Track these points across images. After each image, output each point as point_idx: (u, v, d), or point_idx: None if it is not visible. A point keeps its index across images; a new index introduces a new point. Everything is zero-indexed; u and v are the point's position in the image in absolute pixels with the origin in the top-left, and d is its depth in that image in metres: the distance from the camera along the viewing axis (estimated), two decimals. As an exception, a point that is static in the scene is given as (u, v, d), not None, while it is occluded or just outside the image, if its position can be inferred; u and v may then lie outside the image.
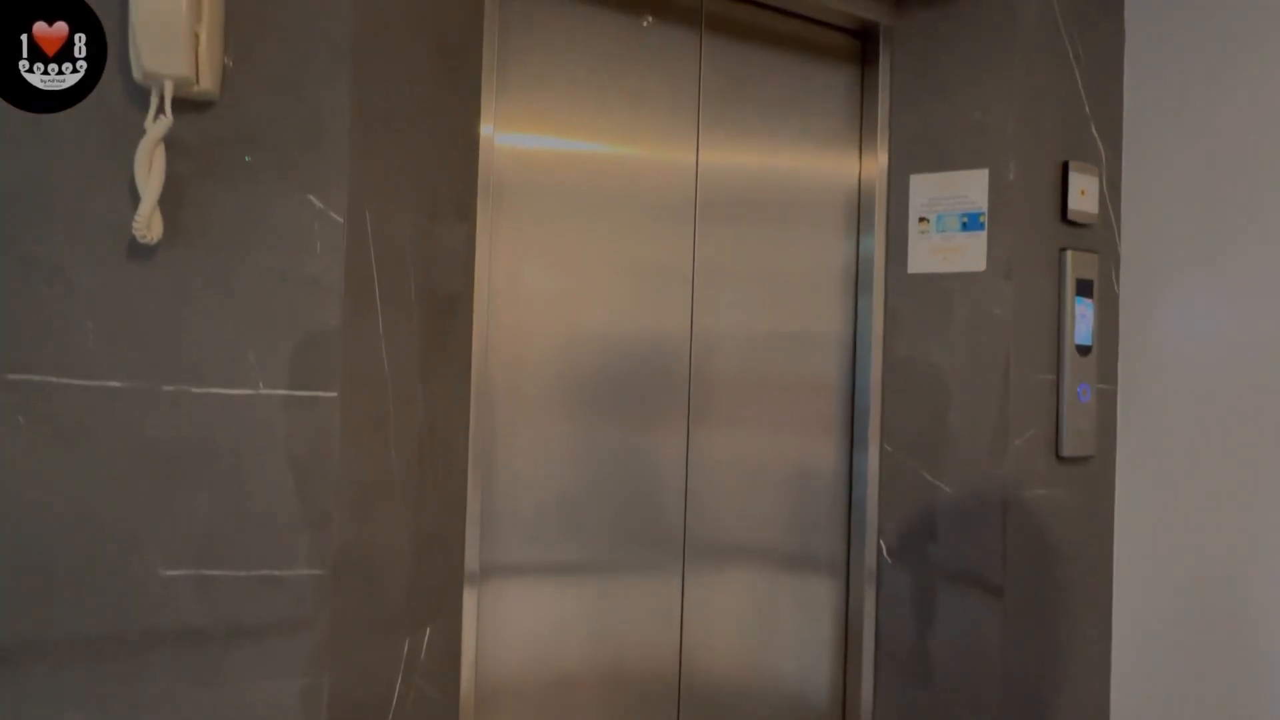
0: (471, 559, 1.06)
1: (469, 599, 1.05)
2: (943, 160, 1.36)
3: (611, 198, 1.24)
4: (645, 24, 1.27)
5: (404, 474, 0.91)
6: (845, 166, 1.45)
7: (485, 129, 1.08)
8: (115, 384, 0.75)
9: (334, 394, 0.82)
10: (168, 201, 0.75)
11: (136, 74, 0.73)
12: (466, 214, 1.06)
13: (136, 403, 0.76)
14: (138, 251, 0.75)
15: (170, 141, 0.75)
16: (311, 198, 0.81)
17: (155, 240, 0.74)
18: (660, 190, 1.28)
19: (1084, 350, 1.36)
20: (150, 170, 0.72)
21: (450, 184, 1.01)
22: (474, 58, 1.06)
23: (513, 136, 1.16)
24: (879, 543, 1.40)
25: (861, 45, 1.45)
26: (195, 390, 0.77)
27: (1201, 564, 1.29)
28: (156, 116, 0.73)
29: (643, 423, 1.27)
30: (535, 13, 1.18)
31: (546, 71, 1.19)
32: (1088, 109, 1.39)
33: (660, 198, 1.28)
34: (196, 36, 0.73)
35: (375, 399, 0.87)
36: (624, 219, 1.25)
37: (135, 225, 0.71)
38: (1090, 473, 1.39)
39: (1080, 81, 1.38)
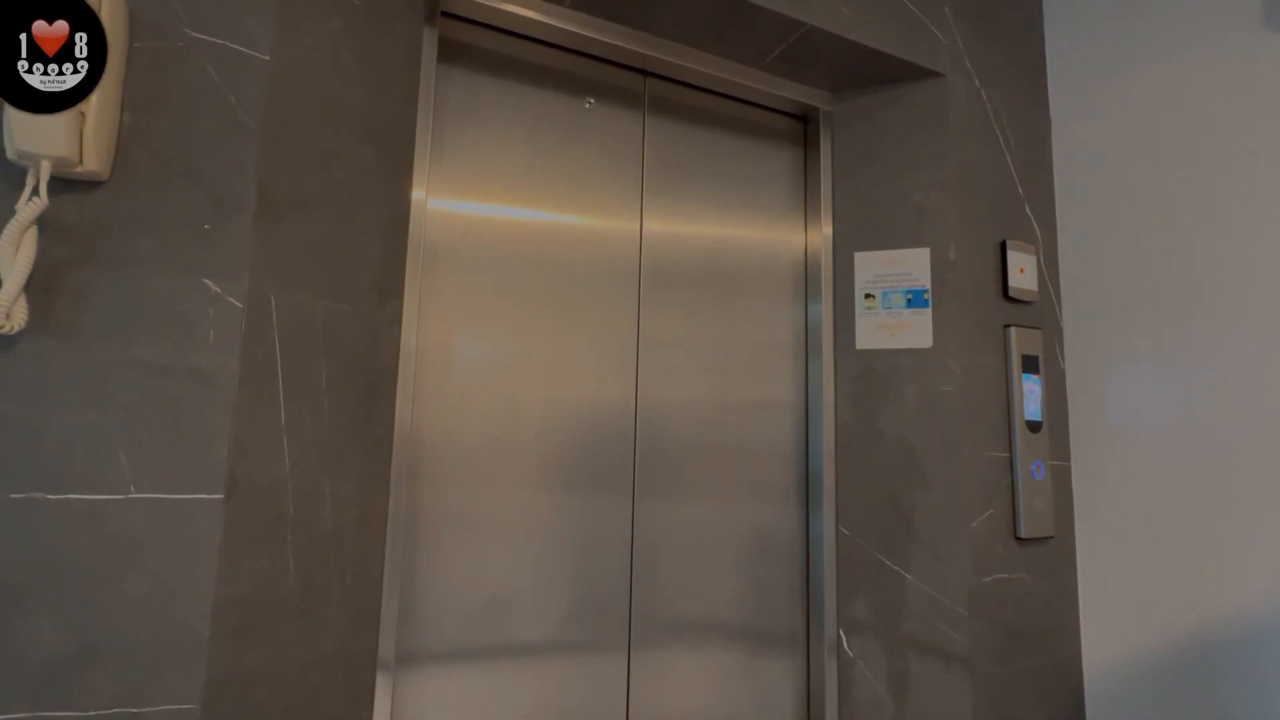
0: (387, 659, 0.95)
1: (382, 703, 0.94)
2: (885, 239, 1.37)
3: (551, 264, 1.21)
4: (588, 105, 1.28)
5: (302, 586, 0.81)
6: (791, 239, 1.46)
7: (417, 194, 1.05)
8: (-45, 493, 0.66)
9: (219, 496, 0.73)
10: (37, 289, 0.69)
11: (10, 153, 0.67)
12: (392, 292, 1.00)
13: (-22, 514, 0.66)
14: (-4, 343, 0.68)
15: (47, 224, 0.69)
16: (207, 282, 0.75)
17: (16, 331, 0.66)
18: (603, 257, 1.26)
19: (1034, 426, 1.35)
20: (16, 255, 0.66)
21: (374, 263, 0.96)
22: (405, 138, 1.03)
23: (446, 202, 1.12)
24: (839, 623, 1.32)
25: (803, 127, 1.49)
26: (50, 497, 0.68)
27: (1169, 641, 1.24)
28: (30, 198, 0.67)
29: (586, 497, 1.19)
30: (473, 94, 1.18)
31: (484, 146, 1.17)
32: (1021, 190, 1.43)
33: (603, 265, 1.25)
34: (82, 115, 0.69)
35: (270, 500, 0.78)
36: (564, 285, 1.22)
37: (-9, 315, 0.64)
38: (1050, 553, 1.35)
39: (1012, 165, 1.42)
